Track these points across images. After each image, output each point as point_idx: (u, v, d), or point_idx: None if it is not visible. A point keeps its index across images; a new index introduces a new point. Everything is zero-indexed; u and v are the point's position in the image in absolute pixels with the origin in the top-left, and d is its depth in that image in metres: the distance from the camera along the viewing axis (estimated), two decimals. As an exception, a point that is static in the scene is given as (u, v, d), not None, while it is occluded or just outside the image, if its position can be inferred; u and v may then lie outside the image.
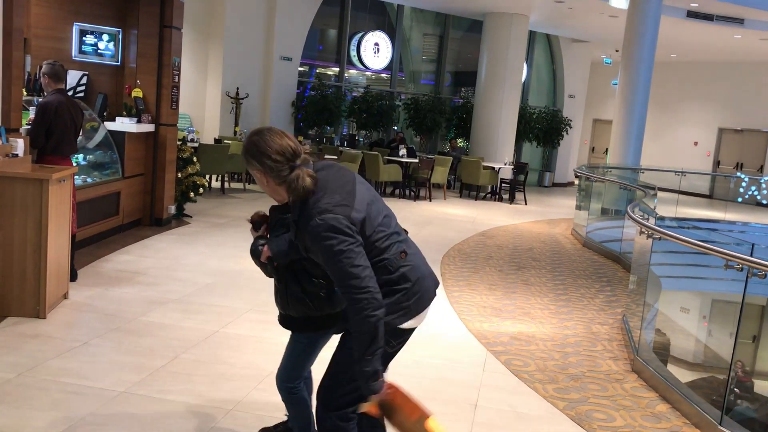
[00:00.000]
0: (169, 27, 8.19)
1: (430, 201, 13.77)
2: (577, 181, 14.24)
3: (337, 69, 17.25)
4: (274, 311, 3.05)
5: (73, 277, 5.61)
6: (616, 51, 19.69)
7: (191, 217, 9.09)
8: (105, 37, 8.31)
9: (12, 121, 5.16)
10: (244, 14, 14.87)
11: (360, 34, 17.10)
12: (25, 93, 6.70)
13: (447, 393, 4.11)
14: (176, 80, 8.46)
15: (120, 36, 8.37)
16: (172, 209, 8.62)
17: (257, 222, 2.86)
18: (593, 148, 24.39)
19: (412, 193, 14.09)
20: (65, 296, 5.21)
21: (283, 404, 3.05)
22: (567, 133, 19.24)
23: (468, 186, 15.40)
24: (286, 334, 3.07)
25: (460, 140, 18.09)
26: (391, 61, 17.67)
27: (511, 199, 14.97)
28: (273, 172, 2.47)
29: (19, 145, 4.98)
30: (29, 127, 5.79)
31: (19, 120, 5.33)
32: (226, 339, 4.69)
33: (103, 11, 8.26)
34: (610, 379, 4.57)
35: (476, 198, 15.04)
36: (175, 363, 4.15)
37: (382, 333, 2.30)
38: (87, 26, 8.21)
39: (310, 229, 2.34)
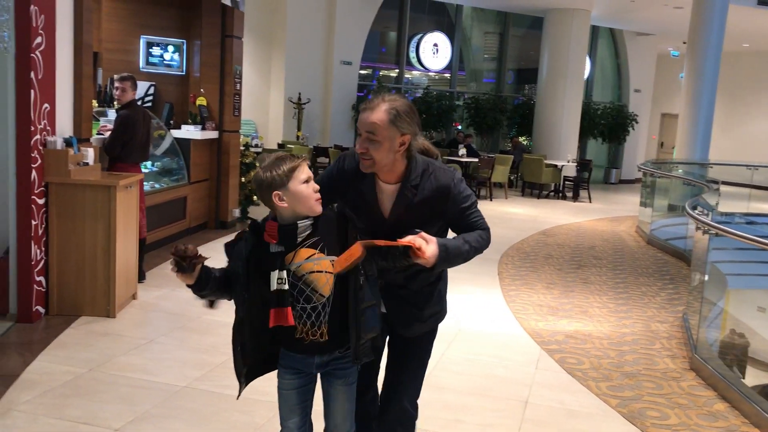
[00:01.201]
0: (230, 36, 8.46)
1: (491, 200, 13.72)
2: (642, 178, 13.94)
3: (398, 70, 17.36)
4: None
5: (142, 278, 5.90)
6: (684, 43, 19.13)
7: (256, 220, 9.34)
8: (170, 48, 8.66)
9: (83, 131, 5.46)
10: (305, 20, 15.16)
11: (419, 36, 17.17)
12: (96, 104, 7.07)
13: (498, 390, 4.15)
14: (238, 88, 8.74)
15: (184, 47, 8.71)
16: (236, 213, 8.90)
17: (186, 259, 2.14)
18: (662, 144, 23.72)
19: (474, 192, 14.04)
20: (134, 297, 5.49)
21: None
22: (633, 129, 18.83)
23: (530, 184, 15.27)
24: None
25: (522, 138, 17.94)
26: (451, 61, 17.66)
27: (575, 197, 14.76)
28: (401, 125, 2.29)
29: (90, 154, 5.27)
30: (101, 136, 6.12)
31: (89, 130, 5.65)
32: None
33: (168, 23, 8.61)
34: (666, 377, 4.51)
35: (539, 196, 14.90)
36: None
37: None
38: (153, 38, 8.58)
39: (452, 188, 2.36)
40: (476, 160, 13.93)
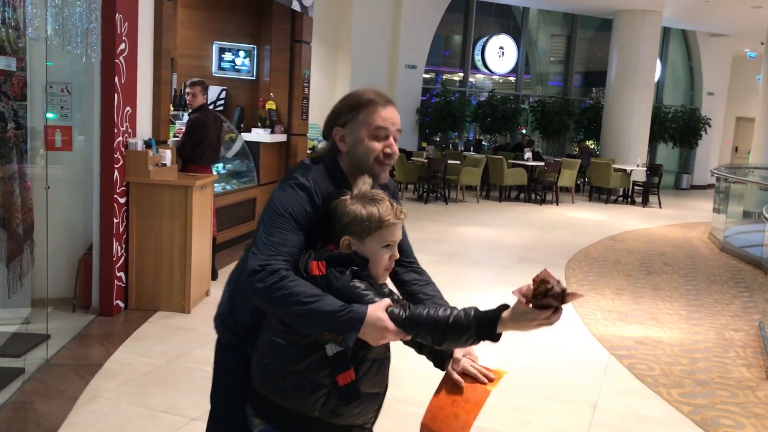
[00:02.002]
0: (299, 42, 8.65)
1: (557, 205, 13.55)
2: (716, 183, 13.52)
3: (462, 74, 17.34)
4: None
5: (214, 276, 6.09)
6: (762, 44, 18.46)
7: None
8: (241, 53, 8.91)
9: (161, 133, 5.69)
10: (371, 25, 15.30)
11: (484, 39, 17.10)
12: (171, 108, 7.33)
13: (566, 394, 4.12)
14: (306, 92, 8.91)
15: (255, 52, 8.94)
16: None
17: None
18: (736, 148, 22.92)
19: (538, 197, 13.91)
20: (207, 293, 5.67)
21: None
22: (706, 133, 18.26)
23: (598, 189, 14.99)
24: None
25: (590, 142, 17.64)
26: (517, 64, 17.53)
27: (644, 203, 14.42)
28: None
29: (167, 155, 5.49)
30: (178, 138, 6.36)
31: (167, 133, 5.87)
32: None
33: (239, 29, 8.86)
34: (741, 386, 4.38)
35: (606, 201, 14.61)
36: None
37: None
38: (225, 44, 8.84)
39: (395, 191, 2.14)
40: (542, 163, 13.76)
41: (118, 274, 5.07)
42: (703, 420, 3.84)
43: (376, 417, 1.93)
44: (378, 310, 1.68)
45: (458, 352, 2.01)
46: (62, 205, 5.04)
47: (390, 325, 1.68)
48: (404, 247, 2.05)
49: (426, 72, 16.49)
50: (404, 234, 2.02)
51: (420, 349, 1.95)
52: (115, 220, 4.99)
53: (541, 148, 17.79)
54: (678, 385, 4.34)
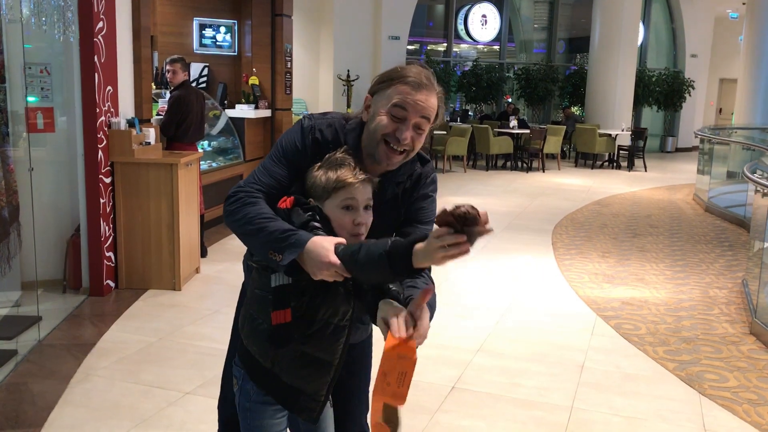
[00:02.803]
0: (280, 15, 8.58)
1: (544, 172, 13.60)
2: (700, 145, 13.61)
3: (445, 44, 17.25)
4: None
5: (204, 253, 6.11)
6: (743, 4, 18.45)
7: (308, 196, 9.52)
8: (222, 29, 8.82)
9: (144, 112, 5.66)
10: (352, -3, 15.16)
11: (467, 7, 17.00)
12: (154, 86, 7.28)
13: (554, 356, 4.19)
14: (289, 66, 8.86)
15: (236, 27, 8.86)
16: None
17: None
18: (720, 110, 23.01)
19: (525, 164, 13.96)
20: (197, 271, 5.70)
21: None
22: (690, 95, 18.32)
23: (584, 155, 15.06)
24: None
25: (575, 108, 17.66)
26: (500, 33, 17.45)
27: (630, 167, 14.50)
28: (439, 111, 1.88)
29: (151, 134, 5.47)
30: (161, 117, 6.33)
31: (150, 111, 5.84)
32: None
33: (219, 5, 8.77)
34: (725, 342, 4.48)
35: (592, 167, 14.69)
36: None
37: None
38: (206, 20, 8.75)
39: (431, 182, 1.98)
40: (527, 131, 13.79)
41: (107, 254, 5.09)
42: (688, 375, 3.93)
43: (327, 393, 1.84)
44: (325, 240, 1.64)
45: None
46: (48, 187, 5.03)
47: (333, 257, 1.61)
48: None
49: (410, 43, 16.40)
50: (419, 221, 1.92)
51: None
52: (102, 201, 4.99)
53: (527, 115, 17.80)
54: (663, 343, 4.43)
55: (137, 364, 3.86)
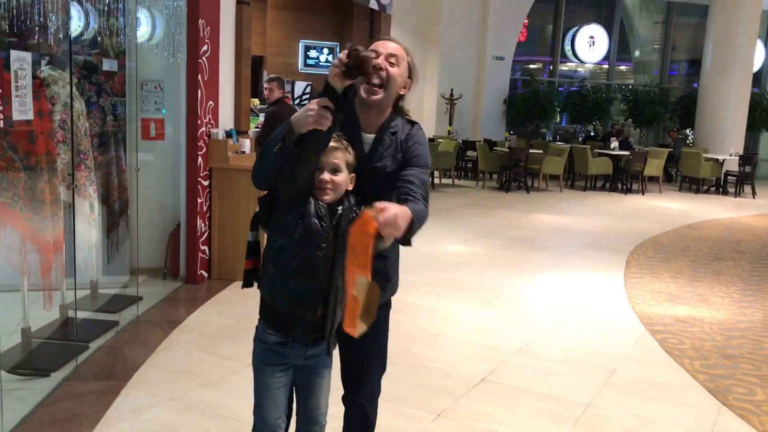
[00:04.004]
0: (376, 38, 9.18)
1: (643, 194, 13.45)
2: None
3: (551, 64, 17.36)
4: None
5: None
6: None
7: (398, 207, 10.03)
8: (325, 50, 9.58)
9: (241, 125, 6.38)
10: (459, 18, 15.65)
11: (575, 28, 17.06)
12: (257, 102, 8.08)
13: (588, 361, 4.45)
14: (384, 85, 9.44)
15: (337, 49, 9.58)
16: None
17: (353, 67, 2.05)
18: None
19: (624, 186, 13.84)
20: (281, 268, 6.32)
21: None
22: (814, 121, 17.41)
23: (691, 179, 14.71)
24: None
25: (688, 131, 17.23)
26: (608, 53, 17.36)
27: (737, 193, 14.03)
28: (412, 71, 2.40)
29: (246, 144, 6.17)
30: (257, 129, 7.06)
31: (247, 124, 6.57)
32: (401, 305, 5.43)
33: (323, 28, 9.54)
34: (768, 362, 4.56)
35: (697, 191, 14.33)
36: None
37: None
38: (310, 42, 9.54)
39: (419, 135, 2.41)
40: (627, 153, 13.69)
41: (201, 248, 5.80)
42: (716, 387, 4.08)
43: (322, 324, 2.23)
44: (299, 112, 2.15)
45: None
46: (155, 187, 5.81)
47: (309, 106, 2.12)
48: (408, 178, 2.32)
49: (515, 63, 16.65)
50: (408, 176, 2.31)
51: None
52: (200, 200, 5.71)
53: (635, 137, 17.55)
54: (703, 358, 4.56)
55: (213, 340, 4.48)
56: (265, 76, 9.18)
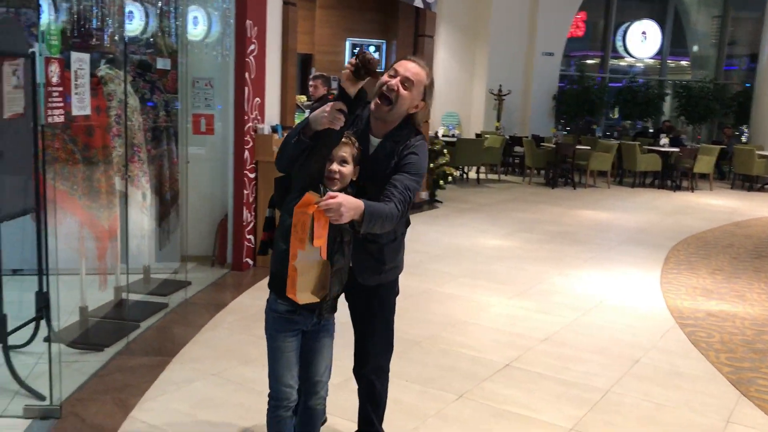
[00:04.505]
0: (422, 36, 9.38)
1: (692, 191, 13.28)
2: None
3: (601, 59, 17.22)
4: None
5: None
6: None
7: (441, 202, 10.22)
8: (371, 48, 9.80)
9: (287, 120, 6.67)
10: (508, 14, 15.67)
11: (626, 24, 16.89)
12: (305, 99, 8.37)
13: (614, 350, 4.57)
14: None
15: (383, 47, 9.80)
16: (424, 195, 9.83)
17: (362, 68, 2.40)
18: None
19: (674, 183, 13.69)
20: (322, 258, 6.59)
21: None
22: None
23: (744, 177, 14.42)
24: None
25: (744, 128, 16.86)
26: (661, 48, 17.12)
27: (793, 191, 13.72)
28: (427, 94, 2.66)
29: (291, 138, 6.44)
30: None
31: (292, 120, 6.85)
32: (436, 294, 5.64)
33: (370, 27, 9.77)
34: (796, 356, 4.59)
35: (749, 189, 14.06)
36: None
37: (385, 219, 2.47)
38: (357, 40, 9.78)
39: (418, 146, 2.63)
40: (677, 149, 13.53)
41: (248, 237, 6.11)
42: (738, 379, 4.15)
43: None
44: (319, 110, 2.42)
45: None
46: (205, 180, 6.14)
47: (327, 106, 2.38)
48: (393, 182, 2.56)
49: (570, 58, 16.57)
50: (397, 179, 2.56)
51: None
52: (246, 192, 6.02)
53: (688, 134, 17.27)
54: (730, 351, 4.63)
55: (254, 322, 4.76)
56: (313, 73, 9.48)
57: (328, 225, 2.33)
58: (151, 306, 4.94)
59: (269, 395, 2.65)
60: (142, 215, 4.81)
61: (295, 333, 2.58)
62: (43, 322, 3.85)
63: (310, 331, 2.60)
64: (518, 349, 4.49)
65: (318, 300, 2.44)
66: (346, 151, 2.49)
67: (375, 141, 2.67)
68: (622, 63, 18.10)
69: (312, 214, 2.29)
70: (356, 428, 3.02)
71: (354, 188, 2.55)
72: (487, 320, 5.12)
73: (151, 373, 3.85)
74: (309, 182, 2.43)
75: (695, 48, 18.60)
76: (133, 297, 5.03)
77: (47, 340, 3.74)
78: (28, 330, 3.89)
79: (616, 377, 4.11)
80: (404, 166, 2.60)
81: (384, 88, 2.59)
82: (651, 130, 16.84)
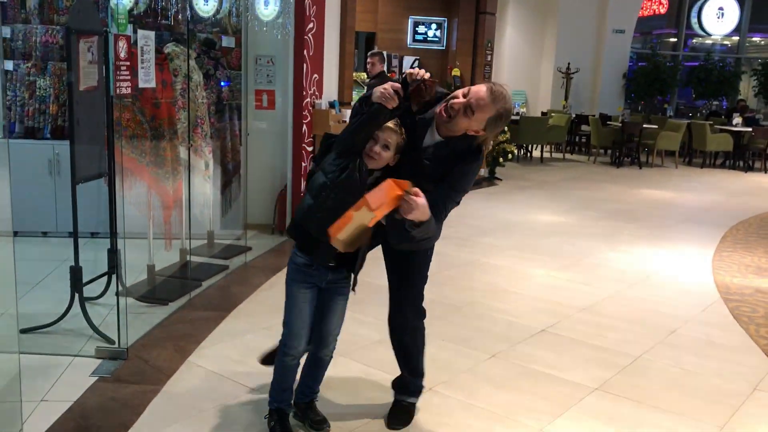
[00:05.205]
0: (483, 13, 9.47)
1: (765, 173, 12.89)
2: None
3: (675, 36, 16.76)
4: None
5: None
6: None
7: (501, 179, 10.32)
8: (433, 26, 9.95)
9: (345, 96, 6.94)
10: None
11: (702, 0, 16.36)
12: (364, 76, 8.61)
13: (652, 320, 4.66)
14: (489, 59, 9.72)
15: (445, 24, 9.94)
16: (483, 172, 9.96)
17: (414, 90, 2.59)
18: None
19: (746, 164, 13.30)
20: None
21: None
22: None
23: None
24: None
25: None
26: (739, 25, 16.52)
27: None
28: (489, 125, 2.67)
29: (348, 114, 6.71)
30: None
31: (350, 96, 7.12)
32: (482, 265, 5.83)
33: (432, 4, 9.91)
34: (840, 332, 4.57)
35: (829, 171, 13.51)
36: (438, 275, 5.39)
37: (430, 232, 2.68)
38: (419, 18, 9.94)
39: (473, 165, 2.75)
40: (749, 129, 13.13)
41: (305, 207, 6.42)
42: (774, 351, 4.20)
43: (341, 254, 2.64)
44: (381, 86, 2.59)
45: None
46: (266, 152, 6.49)
47: (388, 84, 2.57)
48: (432, 195, 2.63)
49: (636, 36, 16.22)
50: (448, 182, 2.71)
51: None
52: (303, 164, 6.33)
53: (763, 114, 16.67)
54: (771, 325, 4.65)
55: (306, 285, 5.08)
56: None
57: (393, 208, 2.48)
58: (213, 267, 5.33)
59: (280, 341, 2.89)
60: (204, 183, 5.18)
61: (309, 286, 2.77)
62: (114, 278, 4.27)
63: (325, 288, 2.80)
64: (556, 317, 4.64)
65: (341, 251, 2.61)
66: (391, 138, 2.62)
67: (433, 138, 2.73)
68: (707, 41, 17.56)
69: (394, 195, 2.44)
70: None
71: (382, 172, 2.68)
72: (528, 289, 5.28)
73: (209, 325, 4.21)
74: (349, 150, 2.61)
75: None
76: (197, 259, 5.43)
77: (117, 293, 4.15)
78: (102, 284, 4.32)
79: (650, 345, 4.22)
80: (452, 176, 2.70)
81: (448, 103, 2.64)
82: (726, 109, 16.33)
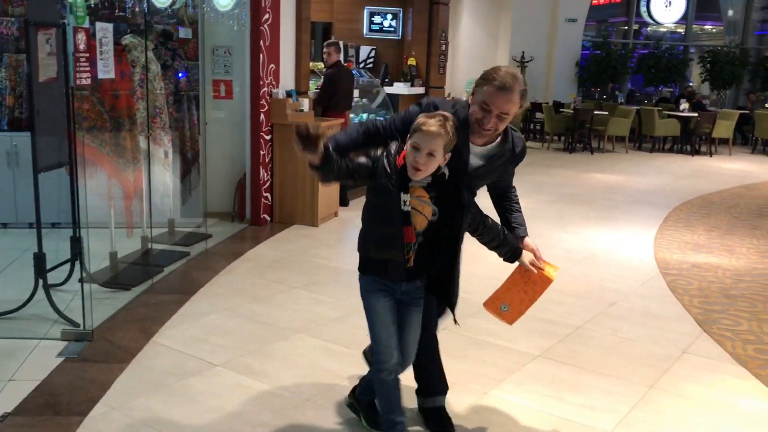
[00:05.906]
0: (437, 3, 9.68)
1: (710, 156, 13.41)
2: None
3: (625, 24, 17.22)
4: None
5: (345, 203, 7.45)
6: None
7: (457, 165, 10.57)
8: (389, 16, 10.13)
9: (302, 86, 7.09)
10: (532, -20, 15.75)
11: (650, -11, 16.84)
12: (321, 66, 8.74)
13: (594, 294, 4.96)
14: (443, 49, 9.95)
15: (400, 14, 10.11)
16: (440, 159, 10.20)
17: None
18: None
19: (692, 148, 13.80)
20: (335, 214, 7.05)
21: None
22: None
23: (765, 142, 14.47)
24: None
25: (770, 93, 16.78)
26: (686, 13, 17.05)
27: (814, 155, 13.74)
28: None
29: (305, 103, 6.87)
30: (318, 90, 7.75)
31: (306, 85, 7.27)
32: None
33: (387, -5, 10.06)
34: (767, 301, 4.91)
35: (770, 154, 14.12)
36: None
37: None
38: (375, 8, 10.10)
39: (523, 150, 2.88)
40: (695, 115, 13.62)
41: (264, 195, 6.58)
42: (705, 319, 4.51)
43: (412, 263, 2.60)
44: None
45: (525, 256, 3.03)
46: (224, 141, 6.62)
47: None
48: (505, 182, 3.07)
49: (587, 25, 16.62)
50: (510, 174, 3.02)
51: (497, 248, 3.01)
52: (262, 153, 6.48)
53: (716, 100, 17.24)
54: (704, 296, 4.98)
55: (266, 269, 5.25)
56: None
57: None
58: (174, 254, 5.46)
59: (374, 359, 2.73)
60: (164, 172, 5.30)
61: (387, 293, 2.65)
62: (78, 265, 4.39)
63: (399, 300, 2.68)
64: (505, 293, 4.89)
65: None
66: (437, 145, 2.45)
67: (474, 147, 2.74)
68: (661, 29, 18.04)
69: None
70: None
71: (447, 170, 2.60)
72: (480, 268, 5.51)
73: (172, 307, 4.36)
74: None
75: (730, 13, 18.39)
76: (159, 246, 5.56)
77: (81, 279, 4.27)
78: (65, 272, 4.43)
79: (591, 316, 4.51)
80: (505, 173, 2.99)
81: (482, 127, 2.61)
82: (675, 95, 16.87)
